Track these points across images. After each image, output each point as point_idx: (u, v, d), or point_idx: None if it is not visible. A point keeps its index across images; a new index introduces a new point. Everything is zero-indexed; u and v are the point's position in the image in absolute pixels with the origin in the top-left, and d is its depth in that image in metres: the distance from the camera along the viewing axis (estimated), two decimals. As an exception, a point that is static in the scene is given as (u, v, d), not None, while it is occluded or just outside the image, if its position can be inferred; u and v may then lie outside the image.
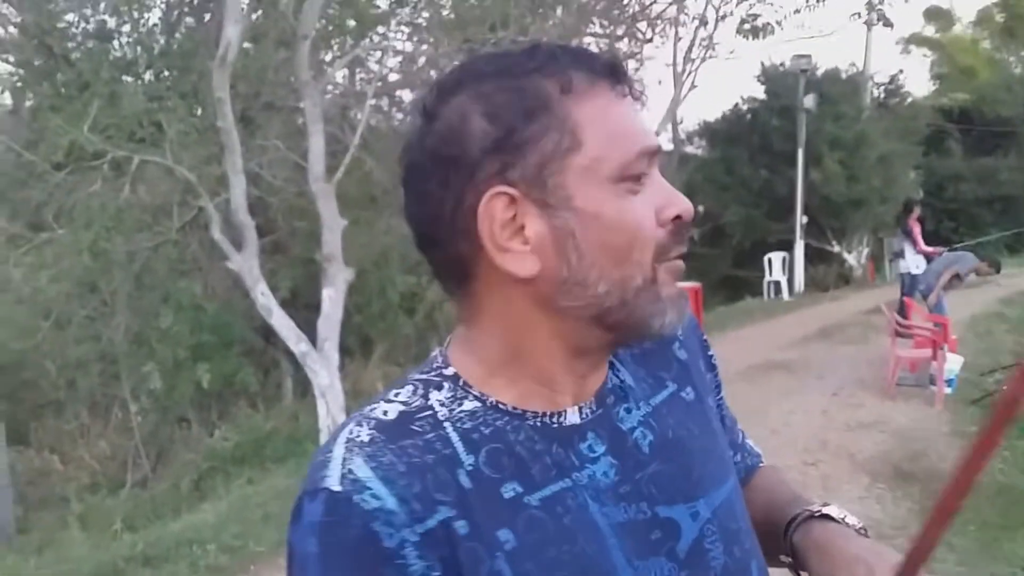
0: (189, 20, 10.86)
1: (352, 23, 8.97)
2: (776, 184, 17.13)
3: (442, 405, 0.71)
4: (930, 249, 9.34)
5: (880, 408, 6.69)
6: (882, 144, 17.21)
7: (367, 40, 9.51)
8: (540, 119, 0.68)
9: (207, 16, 10.41)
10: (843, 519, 0.81)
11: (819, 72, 17.89)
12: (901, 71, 26.55)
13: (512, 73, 0.70)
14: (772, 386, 7.65)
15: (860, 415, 6.52)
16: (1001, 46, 27.19)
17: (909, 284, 9.30)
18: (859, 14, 17.95)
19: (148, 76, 9.82)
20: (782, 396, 7.24)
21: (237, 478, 7.46)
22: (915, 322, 7.80)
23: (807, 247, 16.78)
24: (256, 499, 5.85)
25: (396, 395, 0.72)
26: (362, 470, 0.64)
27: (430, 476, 0.66)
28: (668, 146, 17.74)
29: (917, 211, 9.60)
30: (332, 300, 7.04)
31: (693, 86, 14.26)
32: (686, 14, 13.25)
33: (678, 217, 0.71)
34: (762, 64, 18.17)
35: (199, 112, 9.06)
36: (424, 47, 9.92)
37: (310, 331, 7.05)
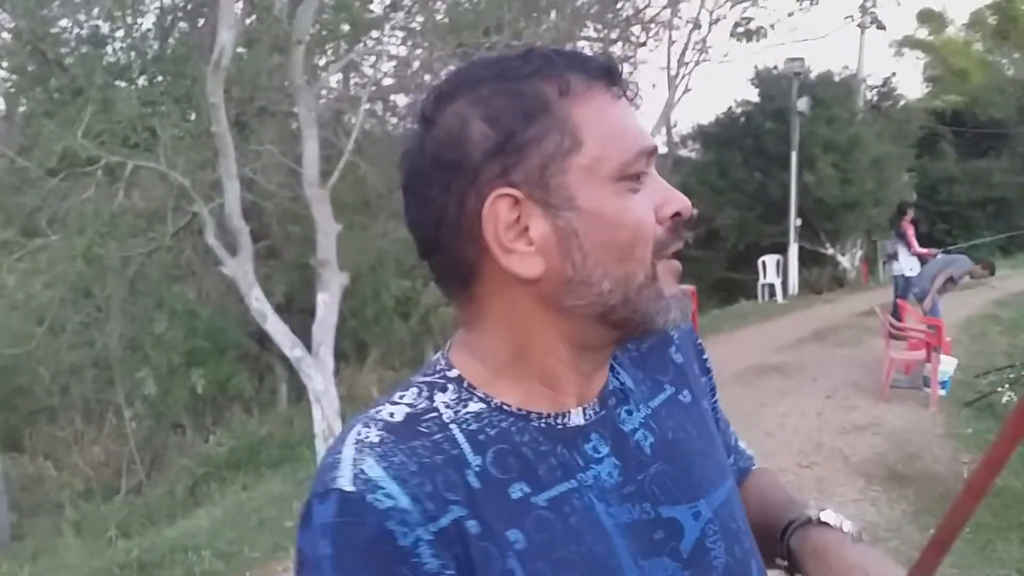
0: (183, 25, 10.86)
1: (346, 28, 8.97)
2: (770, 187, 17.14)
3: (447, 407, 0.71)
4: (924, 251, 9.39)
5: (874, 410, 6.68)
6: (875, 147, 17.22)
7: (361, 45, 9.52)
8: (540, 121, 0.68)
9: (201, 21, 10.42)
10: (840, 525, 0.82)
11: (812, 75, 17.90)
12: (894, 74, 26.81)
13: (509, 77, 0.70)
14: (767, 389, 7.66)
15: (854, 417, 6.51)
16: (994, 48, 27.26)
17: (903, 286, 9.34)
18: (852, 17, 18.17)
19: (142, 81, 9.80)
20: (777, 399, 7.24)
21: (232, 484, 7.46)
22: (909, 324, 7.81)
23: (801, 250, 16.79)
24: (251, 505, 5.83)
25: (401, 397, 0.72)
26: (374, 470, 0.64)
27: (440, 476, 0.66)
28: (662, 149, 17.78)
29: (911, 213, 9.63)
30: (327, 305, 7.03)
31: (687, 89, 14.34)
32: (680, 18, 13.36)
33: (677, 214, 0.72)
34: (755, 67, 18.20)
35: (193, 117, 9.04)
36: (418, 51, 9.94)
37: (305, 336, 7.04)
